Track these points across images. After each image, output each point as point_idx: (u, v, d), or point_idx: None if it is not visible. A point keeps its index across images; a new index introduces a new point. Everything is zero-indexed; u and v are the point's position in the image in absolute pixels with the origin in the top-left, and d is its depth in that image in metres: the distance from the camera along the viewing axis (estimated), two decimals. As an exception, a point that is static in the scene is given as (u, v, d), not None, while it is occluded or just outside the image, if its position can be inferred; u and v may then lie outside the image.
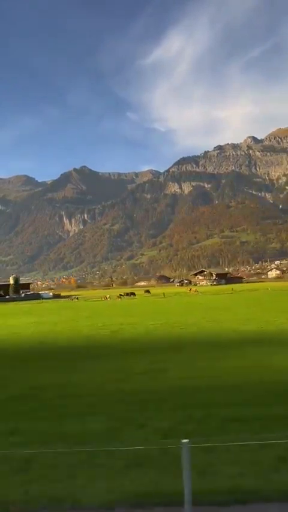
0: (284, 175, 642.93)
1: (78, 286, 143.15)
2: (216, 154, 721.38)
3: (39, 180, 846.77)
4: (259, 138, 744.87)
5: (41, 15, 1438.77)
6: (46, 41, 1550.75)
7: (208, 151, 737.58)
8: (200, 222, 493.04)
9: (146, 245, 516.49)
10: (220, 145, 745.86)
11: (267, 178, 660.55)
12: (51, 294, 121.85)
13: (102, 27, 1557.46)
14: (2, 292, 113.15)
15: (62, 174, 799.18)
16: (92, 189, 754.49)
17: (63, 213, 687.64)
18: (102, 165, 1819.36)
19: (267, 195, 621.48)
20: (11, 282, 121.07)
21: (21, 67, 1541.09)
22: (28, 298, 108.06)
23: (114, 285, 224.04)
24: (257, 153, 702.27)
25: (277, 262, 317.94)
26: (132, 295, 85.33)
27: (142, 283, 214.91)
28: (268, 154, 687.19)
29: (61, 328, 28.94)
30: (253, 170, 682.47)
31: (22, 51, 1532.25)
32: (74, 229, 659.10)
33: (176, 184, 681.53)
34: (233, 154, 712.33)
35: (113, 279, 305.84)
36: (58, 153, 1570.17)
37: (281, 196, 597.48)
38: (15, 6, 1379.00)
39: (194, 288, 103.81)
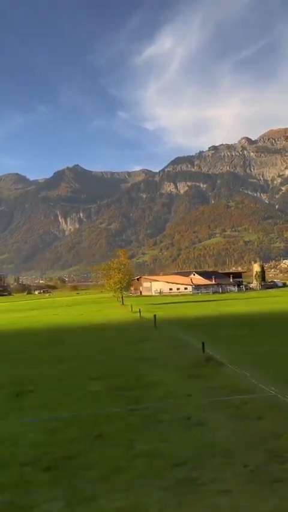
0: (279, 176, 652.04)
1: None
2: (211, 155, 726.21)
3: (31, 179, 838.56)
4: (253, 139, 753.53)
5: (34, 13, 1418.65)
6: (39, 39, 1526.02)
7: (203, 151, 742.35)
8: (200, 222, 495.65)
9: (146, 244, 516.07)
10: (215, 146, 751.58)
11: (262, 178, 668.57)
12: (281, 283, 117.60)
13: (95, 25, 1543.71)
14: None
15: (55, 173, 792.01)
16: (85, 188, 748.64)
17: (58, 211, 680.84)
18: (94, 164, 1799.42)
19: (262, 195, 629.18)
20: (256, 269, 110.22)
21: (14, 64, 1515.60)
22: (271, 286, 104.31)
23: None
24: (252, 153, 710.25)
25: (285, 261, 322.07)
26: None
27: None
28: (262, 155, 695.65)
29: None
30: (248, 171, 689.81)
31: (15, 49, 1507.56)
32: (70, 228, 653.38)
33: (171, 183, 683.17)
34: (227, 155, 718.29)
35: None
36: (49, 151, 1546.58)
37: (277, 196, 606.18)
38: (7, 3, 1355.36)
39: None
